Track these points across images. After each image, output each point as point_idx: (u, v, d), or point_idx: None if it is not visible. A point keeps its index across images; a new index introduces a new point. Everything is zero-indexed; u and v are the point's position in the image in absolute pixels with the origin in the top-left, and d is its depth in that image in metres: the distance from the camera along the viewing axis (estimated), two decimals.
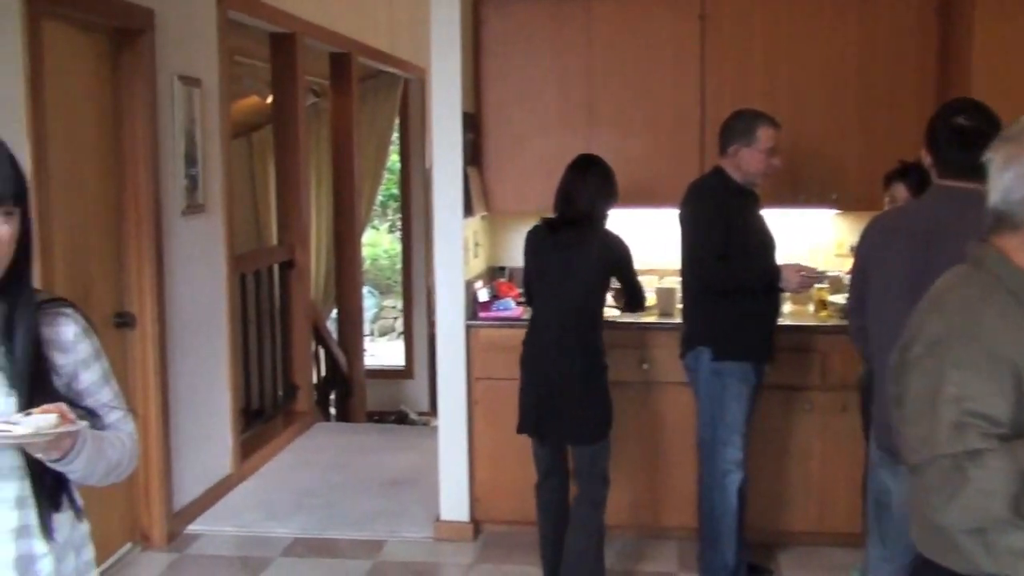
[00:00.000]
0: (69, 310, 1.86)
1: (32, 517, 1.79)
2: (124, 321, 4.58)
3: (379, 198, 10.66)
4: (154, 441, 4.68)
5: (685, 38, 4.84)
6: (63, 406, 1.70)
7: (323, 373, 7.76)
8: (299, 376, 6.83)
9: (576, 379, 3.90)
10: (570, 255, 3.92)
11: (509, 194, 5.05)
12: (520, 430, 4.05)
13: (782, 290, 4.11)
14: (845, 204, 4.88)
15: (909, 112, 4.52)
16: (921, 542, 1.98)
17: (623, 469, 4.58)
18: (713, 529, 4.13)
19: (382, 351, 11.72)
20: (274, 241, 7.41)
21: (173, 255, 4.81)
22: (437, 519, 4.89)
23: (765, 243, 4.13)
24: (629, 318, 4.53)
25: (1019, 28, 4.33)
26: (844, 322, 3.64)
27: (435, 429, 5.07)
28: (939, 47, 4.71)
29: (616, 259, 3.99)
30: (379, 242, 13.74)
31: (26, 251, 1.78)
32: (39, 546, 1.79)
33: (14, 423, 1.63)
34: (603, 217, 3.99)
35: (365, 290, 9.57)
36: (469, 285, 4.82)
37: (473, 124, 4.92)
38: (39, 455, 1.70)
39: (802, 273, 4.05)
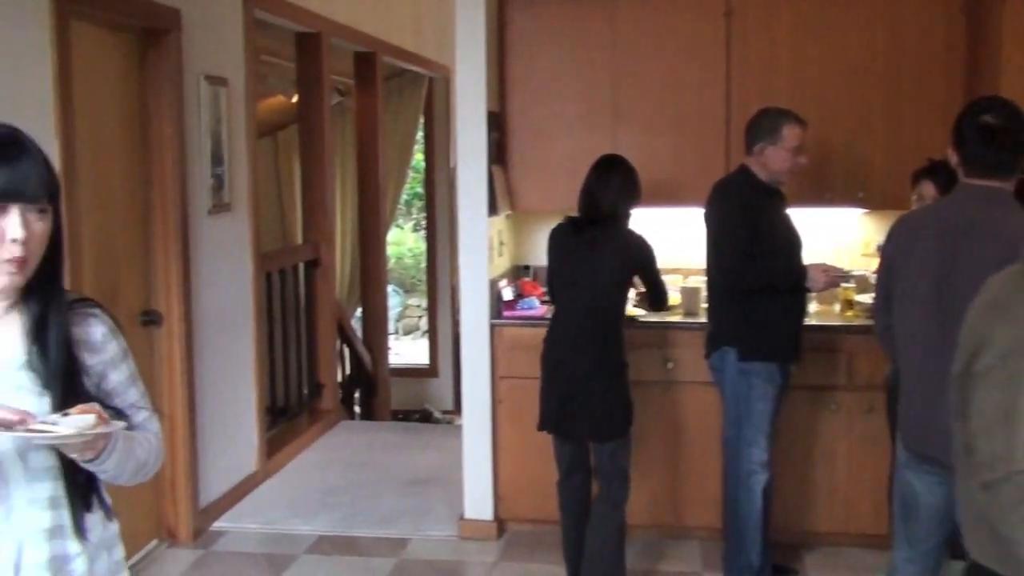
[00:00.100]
0: (97, 310, 1.87)
1: (65, 517, 1.79)
2: (151, 319, 4.61)
3: (404, 197, 10.69)
4: (180, 438, 4.72)
5: (710, 36, 4.82)
6: (97, 406, 1.71)
7: (348, 371, 7.79)
8: (324, 374, 6.85)
9: (595, 376, 3.90)
10: (593, 254, 3.92)
11: (534, 193, 5.05)
12: (541, 427, 4.05)
13: (808, 290, 4.09)
14: (871, 203, 4.85)
15: (936, 110, 4.49)
16: (978, 550, 1.94)
17: (647, 468, 4.58)
18: (738, 529, 4.11)
19: (406, 350, 11.75)
20: (299, 240, 7.45)
21: (199, 254, 4.84)
22: (461, 517, 4.89)
23: (791, 242, 4.11)
24: (654, 317, 4.52)
25: None
26: (870, 322, 3.62)
27: (459, 428, 5.08)
28: (967, 44, 4.66)
29: (639, 259, 3.99)
30: (404, 241, 13.78)
31: (57, 250, 1.79)
32: (72, 546, 1.80)
33: (52, 423, 1.64)
34: (626, 217, 3.98)
35: (390, 289, 9.59)
36: (493, 284, 4.83)
37: (498, 123, 4.93)
38: (74, 455, 1.71)
39: (828, 273, 4.03)
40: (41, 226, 1.72)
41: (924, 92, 4.70)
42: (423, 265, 10.21)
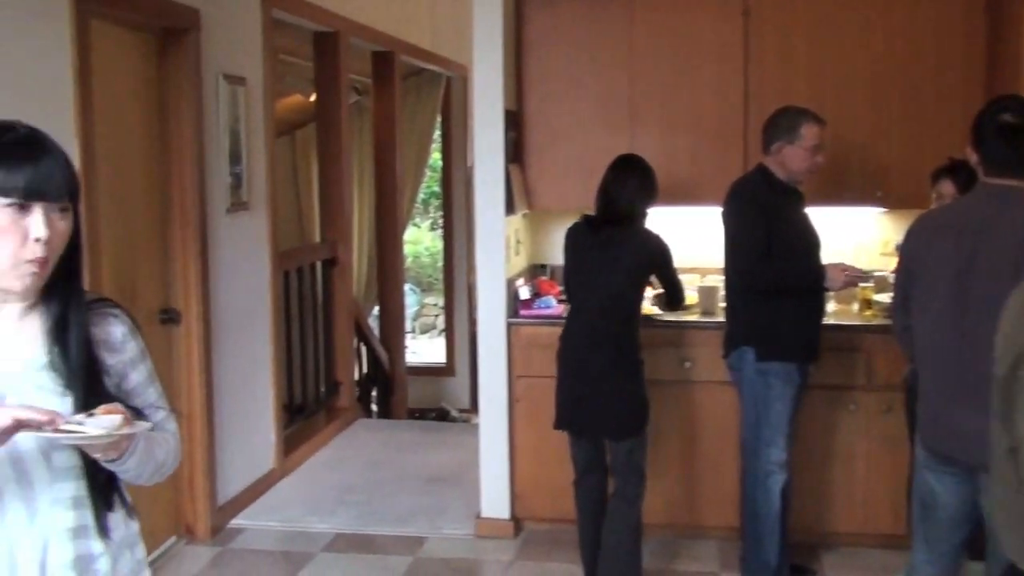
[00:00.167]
0: (117, 310, 1.88)
1: (88, 517, 1.80)
2: (170, 317, 4.63)
3: (421, 196, 10.70)
4: (198, 436, 4.74)
5: (728, 35, 4.81)
6: (120, 406, 1.71)
7: (365, 370, 7.80)
8: (341, 373, 6.87)
9: (611, 374, 3.90)
10: (609, 253, 3.92)
11: (551, 192, 5.05)
12: (557, 426, 4.05)
13: (826, 289, 4.07)
14: (890, 202, 4.83)
15: (956, 109, 4.45)
16: (1019, 554, 1.92)
17: (663, 467, 4.57)
18: (756, 529, 4.10)
19: (423, 348, 11.76)
20: (317, 238, 7.47)
21: (218, 252, 4.86)
22: (478, 516, 4.90)
23: (809, 242, 4.09)
24: (671, 317, 4.51)
25: None
26: (889, 321, 3.61)
27: (476, 426, 5.08)
28: (987, 42, 4.63)
29: (656, 258, 3.98)
30: (421, 239, 13.79)
31: (76, 250, 1.79)
32: (96, 546, 1.81)
33: (78, 423, 1.65)
34: (643, 216, 3.98)
35: (406, 287, 9.60)
36: (510, 283, 4.83)
37: (515, 122, 4.93)
38: (97, 455, 1.71)
39: (847, 272, 4.01)
40: (63, 225, 1.73)
41: (943, 90, 4.68)
42: (440, 264, 10.22)
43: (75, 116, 3.79)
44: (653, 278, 4.10)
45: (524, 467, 4.82)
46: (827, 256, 4.15)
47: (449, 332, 9.18)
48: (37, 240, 1.68)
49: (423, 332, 13.20)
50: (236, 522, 5.01)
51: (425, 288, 13.74)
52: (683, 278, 4.16)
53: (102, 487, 1.81)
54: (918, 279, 3.01)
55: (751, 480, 4.11)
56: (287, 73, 7.18)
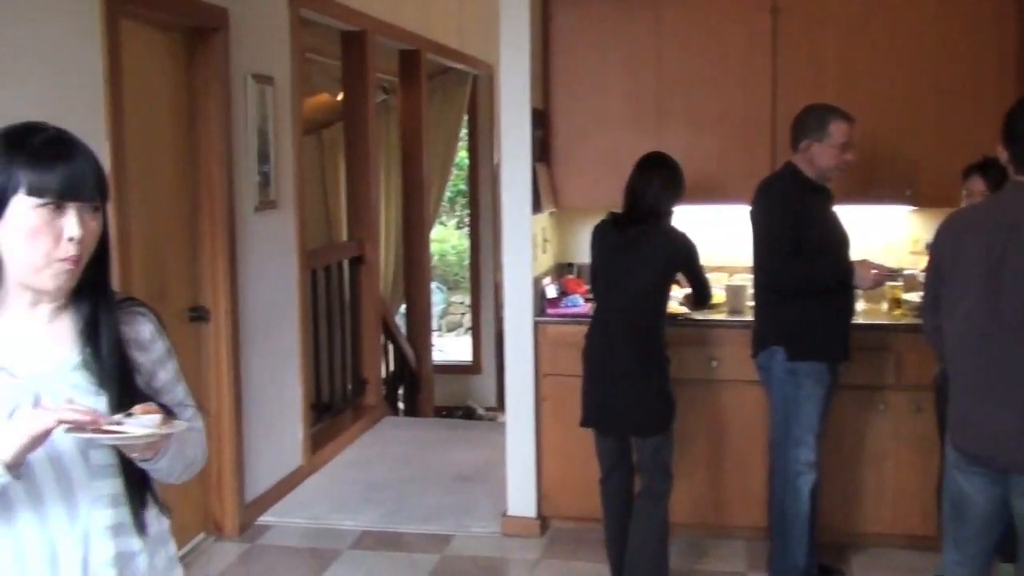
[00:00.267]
0: (144, 309, 1.89)
1: (126, 515, 1.81)
2: (198, 315, 4.66)
3: (447, 194, 10.72)
4: (227, 433, 4.77)
5: (757, 32, 4.79)
6: (155, 405, 1.72)
7: (391, 368, 7.82)
8: (368, 371, 6.90)
9: (637, 372, 3.89)
10: (635, 251, 3.91)
11: (577, 190, 5.05)
12: (583, 423, 4.05)
13: (856, 288, 4.05)
14: (920, 200, 4.79)
15: (987, 107, 4.40)
16: None
17: (690, 467, 4.56)
18: (784, 530, 4.08)
19: (450, 346, 11.78)
20: (344, 237, 7.49)
21: (246, 250, 4.89)
22: (504, 514, 4.90)
23: (838, 240, 4.06)
24: (698, 315, 4.50)
25: None
26: (919, 321, 3.58)
27: (502, 424, 5.09)
28: (1019, 38, 4.59)
29: (682, 256, 3.97)
30: (447, 238, 13.81)
31: (105, 250, 1.81)
32: (135, 543, 1.82)
33: (118, 423, 1.66)
34: (669, 214, 3.97)
35: (433, 285, 9.62)
36: (537, 281, 4.83)
37: (541, 120, 4.92)
38: (134, 455, 1.73)
39: (875, 271, 3.98)
40: (94, 225, 1.74)
41: (975, 88, 4.63)
42: (467, 262, 10.23)
43: (106, 116, 3.81)
44: (681, 276, 4.09)
45: (550, 465, 4.82)
46: (856, 254, 4.11)
47: (476, 330, 9.19)
48: (71, 240, 1.69)
49: (450, 330, 13.22)
50: (264, 519, 5.04)
51: (452, 286, 13.76)
52: (710, 276, 4.14)
53: (137, 484, 1.83)
54: (948, 279, 2.98)
55: (780, 480, 4.09)
56: (314, 72, 7.21)
